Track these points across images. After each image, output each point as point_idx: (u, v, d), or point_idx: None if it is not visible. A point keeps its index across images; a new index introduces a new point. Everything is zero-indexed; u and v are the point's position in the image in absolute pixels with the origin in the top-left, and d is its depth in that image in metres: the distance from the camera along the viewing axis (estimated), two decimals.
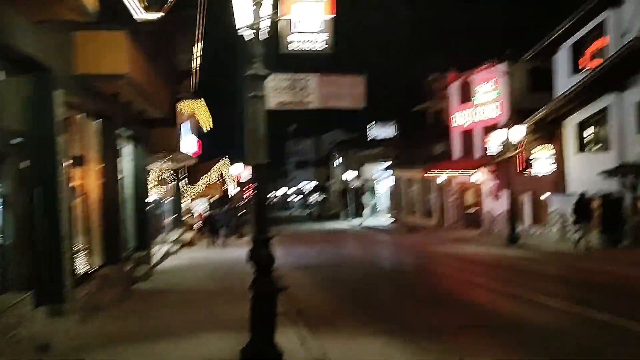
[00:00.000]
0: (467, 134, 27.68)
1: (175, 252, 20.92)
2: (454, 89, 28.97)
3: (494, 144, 21.01)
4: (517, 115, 21.47)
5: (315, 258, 19.23)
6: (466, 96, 27.56)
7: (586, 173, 18.15)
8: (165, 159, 18.94)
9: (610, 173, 16.67)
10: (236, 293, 11.28)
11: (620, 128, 16.55)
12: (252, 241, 5.98)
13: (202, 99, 27.84)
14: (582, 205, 16.86)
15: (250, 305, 5.83)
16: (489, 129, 25.21)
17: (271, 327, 5.81)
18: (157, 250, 18.72)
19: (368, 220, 42.21)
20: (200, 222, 27.71)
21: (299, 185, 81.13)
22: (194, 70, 23.93)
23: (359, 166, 46.86)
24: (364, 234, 31.57)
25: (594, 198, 16.17)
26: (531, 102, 22.06)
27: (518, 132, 19.39)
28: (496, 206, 24.76)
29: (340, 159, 56.59)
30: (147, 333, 7.96)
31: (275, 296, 5.87)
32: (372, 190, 46.37)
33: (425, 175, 29.42)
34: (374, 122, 48.00)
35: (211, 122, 30.69)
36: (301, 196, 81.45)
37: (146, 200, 15.86)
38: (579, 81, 17.27)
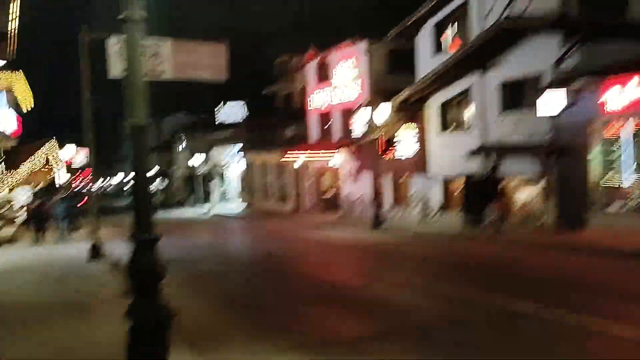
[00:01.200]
0: (325, 116, 27.01)
1: None
2: (311, 69, 28.07)
3: (358, 124, 20.39)
4: (377, 96, 21.13)
5: (170, 253, 16.86)
6: (324, 76, 26.82)
7: (449, 154, 18.30)
8: None
9: (472, 154, 16.88)
10: (79, 306, 8.90)
11: (483, 109, 16.81)
12: (132, 243, 4.00)
13: (20, 70, 23.73)
14: (484, 186, 16.13)
15: (125, 342, 3.86)
16: (348, 111, 24.77)
17: None
18: None
19: (218, 207, 40.09)
20: (25, 214, 23.46)
21: None
22: (11, 33, 19.82)
23: (206, 150, 44.29)
24: (216, 222, 29.49)
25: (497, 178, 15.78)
26: (392, 83, 21.91)
27: (382, 113, 18.94)
28: (355, 189, 24.44)
29: (185, 143, 53.30)
30: None
31: (167, 328, 3.96)
32: (222, 175, 44.19)
33: (282, 159, 28.22)
34: (221, 102, 45.58)
35: (32, 100, 26.44)
36: None
37: None
38: (444, 61, 17.21)
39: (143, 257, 3.95)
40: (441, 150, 18.72)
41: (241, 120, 43.00)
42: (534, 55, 14.79)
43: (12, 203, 27.30)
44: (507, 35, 15.06)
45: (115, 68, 15.69)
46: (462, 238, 15.43)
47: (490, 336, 6.40)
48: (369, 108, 19.53)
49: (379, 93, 21.51)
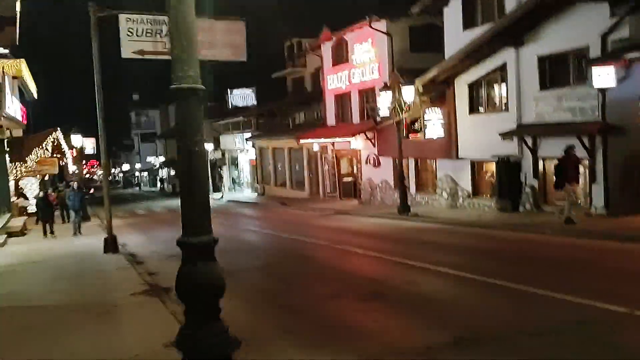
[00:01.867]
0: (343, 98, 25.91)
1: (3, 244, 16.30)
2: (326, 50, 26.93)
3: (380, 106, 19.27)
4: (400, 76, 20.03)
5: None
6: (341, 57, 25.69)
7: (479, 136, 17.24)
8: None
9: (507, 134, 15.81)
10: (100, 307, 8.03)
11: (519, 86, 15.70)
12: (183, 248, 3.04)
13: (23, 59, 22.90)
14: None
15: None
16: (368, 92, 23.69)
17: None
18: None
19: (230, 194, 39.24)
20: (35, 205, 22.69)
21: (146, 160, 74.66)
22: (16, 16, 18.89)
23: (216, 137, 43.32)
24: (232, 209, 28.63)
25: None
26: (415, 62, 20.83)
27: (406, 93, 17.85)
28: (376, 174, 23.44)
29: None
30: None
31: None
32: (233, 161, 43.27)
33: (299, 143, 27.20)
34: (228, 90, 44.40)
35: (35, 90, 25.62)
36: (149, 172, 75.15)
37: None
38: (476, 37, 16.07)
39: (198, 267, 2.98)
40: (471, 132, 17.65)
41: (251, 106, 41.92)
42: (579, 27, 13.64)
43: (22, 191, 26.54)
44: (548, 4, 13.91)
45: (127, 48, 14.63)
46: (502, 225, 14.41)
47: (587, 351, 5.35)
48: (392, 89, 18.45)
49: (401, 73, 20.39)
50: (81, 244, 16.15)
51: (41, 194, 21.13)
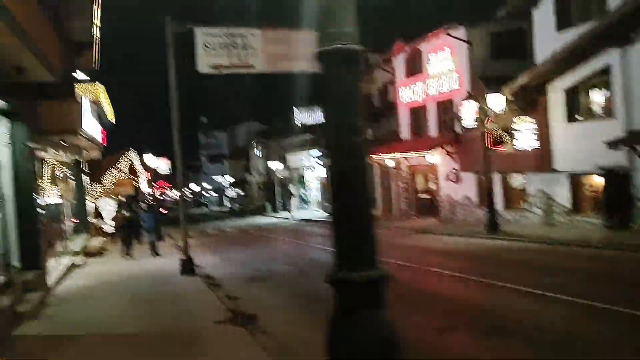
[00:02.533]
0: (418, 111, 24.76)
1: (81, 265, 16.19)
2: (399, 62, 25.95)
3: (461, 117, 17.97)
4: (482, 85, 18.75)
5: (270, 264, 15.28)
6: (415, 69, 24.62)
7: (578, 146, 15.63)
8: (63, 144, 14.18)
9: (616, 143, 14.15)
10: (183, 338, 7.30)
11: (628, 90, 14.06)
12: (336, 287, 2.10)
13: (102, 85, 23.30)
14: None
15: None
16: (446, 103, 22.45)
17: None
18: (56, 266, 14.02)
19: (300, 212, 38.69)
20: (113, 226, 22.85)
21: (213, 180, 75.95)
22: (95, 41, 19.16)
23: (283, 156, 43.13)
24: (303, 228, 27.92)
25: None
26: (497, 70, 19.44)
27: (492, 103, 16.55)
28: (457, 190, 22.04)
29: (261, 150, 52.54)
30: None
31: None
32: (301, 180, 42.82)
33: (371, 159, 26.17)
34: (294, 108, 44.19)
35: (113, 114, 26.08)
36: (217, 191, 76.35)
37: (35, 200, 11.23)
38: (573, 38, 14.62)
39: (363, 316, 2.04)
40: (569, 142, 16.06)
41: (318, 124, 41.42)
42: None
43: (101, 213, 26.95)
44: None
45: (204, 62, 14.12)
46: (610, 245, 12.78)
47: None
48: (476, 98, 17.20)
49: (483, 82, 19.11)
50: (158, 265, 15.78)
51: (122, 213, 21.18)
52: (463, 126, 18.98)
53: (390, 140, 26.82)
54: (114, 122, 26.86)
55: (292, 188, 43.93)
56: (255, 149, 55.24)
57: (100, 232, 24.83)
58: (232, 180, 64.53)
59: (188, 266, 13.48)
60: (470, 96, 17.17)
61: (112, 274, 14.43)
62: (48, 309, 9.87)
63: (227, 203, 66.57)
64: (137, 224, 19.34)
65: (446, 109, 22.42)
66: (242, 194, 62.52)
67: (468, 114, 17.35)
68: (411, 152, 23.37)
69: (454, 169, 21.95)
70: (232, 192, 66.61)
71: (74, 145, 16.45)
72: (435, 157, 22.56)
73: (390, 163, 25.53)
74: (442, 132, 22.71)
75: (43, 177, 14.56)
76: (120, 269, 15.32)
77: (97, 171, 26.81)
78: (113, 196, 28.83)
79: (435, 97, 23.04)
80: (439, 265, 12.31)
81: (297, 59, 14.09)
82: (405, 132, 25.89)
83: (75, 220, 20.10)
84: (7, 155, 10.67)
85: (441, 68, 22.34)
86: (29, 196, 11.02)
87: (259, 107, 61.84)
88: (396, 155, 24.61)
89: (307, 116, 42.78)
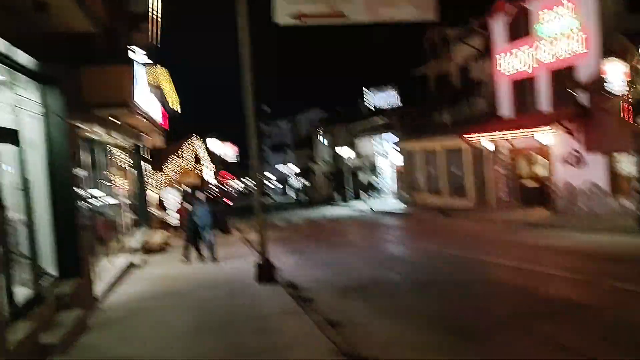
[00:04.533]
0: (524, 82, 20.93)
1: (140, 265, 13.82)
2: (499, 25, 22.15)
3: (615, 79, 14.11)
4: (616, 46, 14.92)
5: (362, 268, 12.27)
6: (520, 31, 20.77)
7: None
8: (114, 122, 11.68)
9: None
10: None
11: None
12: None
13: (165, 70, 21.22)
14: None
15: None
16: (564, 70, 18.55)
17: None
18: (108, 268, 11.62)
19: (373, 203, 35.52)
20: (177, 219, 20.64)
21: (276, 170, 73.96)
22: (154, 15, 16.84)
23: (352, 142, 40.02)
24: (384, 221, 24.77)
25: None
26: (636, 25, 15.52)
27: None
28: (578, 176, 18.20)
29: (326, 137, 49.67)
30: None
31: None
32: (373, 168, 39.59)
33: (466, 140, 22.64)
34: (364, 90, 40.74)
35: (177, 102, 23.90)
36: (280, 182, 74.26)
37: (74, 190, 8.68)
38: None
39: None
40: None
41: (392, 107, 37.90)
42: None
43: (165, 204, 24.83)
44: None
45: (282, 11, 10.94)
46: None
47: None
48: (621, 56, 13.43)
49: (616, 41, 15.25)
50: (228, 268, 13.13)
51: (184, 205, 18.77)
52: (586, 97, 15.15)
53: (483, 120, 23.17)
54: (178, 111, 24.68)
55: (363, 176, 40.82)
56: (320, 137, 52.45)
57: (163, 225, 22.68)
58: (296, 169, 62.19)
59: (267, 271, 10.68)
60: (614, 53, 13.38)
61: (174, 279, 11.88)
62: (86, 336, 7.28)
63: (290, 193, 64.29)
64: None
65: (563, 77, 18.54)
66: (307, 183, 60.01)
67: (613, 77, 13.58)
68: (518, 131, 19.64)
69: (574, 149, 18.12)
70: (296, 182, 64.30)
71: (130, 126, 13.99)
72: (548, 137, 18.80)
73: (488, 145, 21.87)
74: (558, 106, 18.88)
75: (96, 164, 12.14)
76: (182, 272, 12.75)
77: (161, 158, 24.74)
78: (177, 186, 26.77)
79: (549, 65, 19.16)
80: (602, 273, 8.93)
81: (405, 4, 10.93)
82: (505, 108, 22.13)
83: (134, 213, 17.88)
84: (38, 130, 8.15)
85: (559, 27, 18.44)
86: (67, 185, 8.48)
87: (323, 94, 58.94)
88: (496, 135, 20.94)
89: (381, 98, 39.30)
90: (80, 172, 10.53)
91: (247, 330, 7.13)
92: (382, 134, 36.16)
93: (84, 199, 10.41)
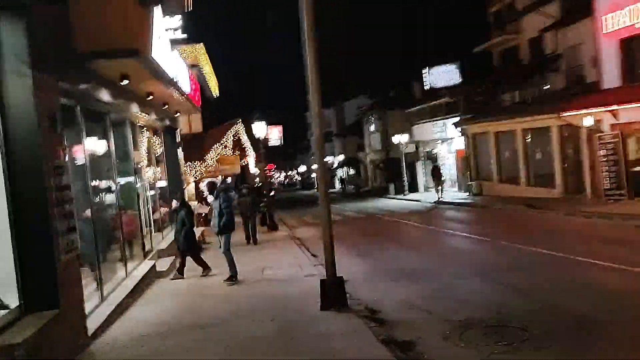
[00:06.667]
0: (638, 43, 16.93)
1: (166, 271, 10.89)
2: None
3: None
4: None
5: (465, 282, 8.75)
6: None
7: None
8: (124, 87, 8.59)
9: None
10: None
11: None
12: None
13: (202, 44, 18.59)
14: None
15: None
16: None
17: None
18: (120, 280, 8.69)
19: (428, 194, 31.87)
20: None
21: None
22: None
23: (407, 128, 36.29)
24: (454, 215, 21.19)
25: None
26: None
27: None
28: None
29: (377, 124, 46.06)
30: None
31: None
32: (432, 155, 35.79)
33: (561, 116, 18.76)
34: (423, 70, 36.68)
35: (216, 85, 21.12)
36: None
37: (45, 181, 5.64)
38: None
39: None
40: None
41: (454, 85, 33.84)
42: None
43: (204, 195, 21.90)
44: None
45: None
46: None
47: None
48: None
49: None
50: (276, 280, 10.00)
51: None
52: None
53: (581, 93, 19.29)
54: (217, 95, 22.05)
55: (420, 165, 37.12)
56: (369, 124, 48.90)
57: (202, 220, 19.85)
58: (342, 159, 58.85)
59: (334, 293, 7.42)
60: None
61: (204, 296, 8.84)
62: None
63: (336, 184, 61.01)
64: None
65: None
66: (355, 174, 56.53)
67: None
68: (630, 105, 15.71)
69: None
70: (342, 173, 61.02)
71: (151, 96, 10.91)
72: None
73: (588, 121, 17.91)
74: None
75: (118, 146, 9.15)
76: (216, 286, 9.65)
77: (201, 147, 21.90)
78: (219, 176, 23.91)
79: None
80: None
81: None
82: (611, 77, 18.11)
83: (166, 207, 15.05)
84: None
85: None
86: (34, 173, 5.47)
87: (368, 81, 54.84)
88: (609, 109, 16.98)
89: (438, 76, 35.17)
90: (77, 154, 7.55)
91: None
92: (443, 118, 32.34)
93: (95, 190, 7.50)
